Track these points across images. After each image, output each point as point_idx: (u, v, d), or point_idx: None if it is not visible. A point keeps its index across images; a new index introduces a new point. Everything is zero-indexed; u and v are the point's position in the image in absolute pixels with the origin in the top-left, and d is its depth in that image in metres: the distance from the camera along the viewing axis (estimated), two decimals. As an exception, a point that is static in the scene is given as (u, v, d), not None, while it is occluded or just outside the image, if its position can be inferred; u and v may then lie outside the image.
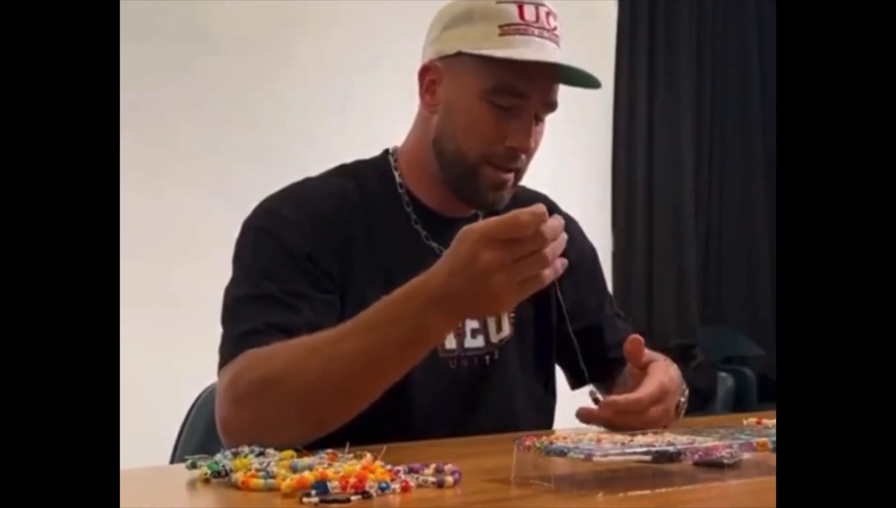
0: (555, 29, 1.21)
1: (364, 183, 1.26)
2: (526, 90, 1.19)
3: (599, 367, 1.38)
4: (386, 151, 1.32)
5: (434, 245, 1.26)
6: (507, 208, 1.35)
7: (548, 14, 1.21)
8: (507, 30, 1.17)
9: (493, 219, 1.00)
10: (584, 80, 1.23)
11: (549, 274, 1.00)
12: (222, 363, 1.12)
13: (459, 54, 1.20)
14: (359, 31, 3.49)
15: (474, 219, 1.31)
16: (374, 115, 3.34)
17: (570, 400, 1.43)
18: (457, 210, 1.28)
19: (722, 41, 4.84)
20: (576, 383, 1.41)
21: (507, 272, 0.97)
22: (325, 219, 1.20)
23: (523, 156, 1.23)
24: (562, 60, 1.18)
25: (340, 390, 1.03)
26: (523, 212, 0.98)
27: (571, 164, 4.13)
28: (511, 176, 1.24)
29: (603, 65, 4.41)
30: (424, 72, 1.25)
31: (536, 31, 1.19)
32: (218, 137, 3.29)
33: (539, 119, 1.23)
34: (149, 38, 3.09)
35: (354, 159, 1.32)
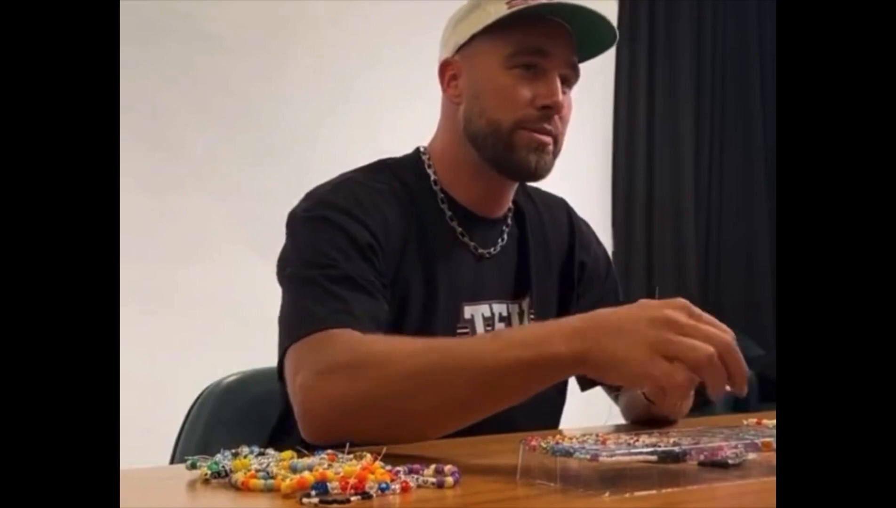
0: None
1: (405, 181, 1.27)
2: (545, 46, 1.20)
3: None
4: (418, 149, 1.32)
5: (469, 242, 1.26)
6: (533, 212, 1.36)
7: None
8: (514, 3, 1.19)
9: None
10: (599, 40, 1.24)
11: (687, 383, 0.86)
12: (297, 337, 1.05)
13: (473, 38, 1.22)
14: (359, 31, 3.49)
15: (503, 219, 1.31)
16: (374, 115, 3.35)
17: (576, 400, 1.43)
18: (489, 209, 1.29)
19: (722, 41, 4.84)
20: (587, 386, 1.41)
21: (666, 332, 0.86)
22: (383, 218, 1.19)
23: (556, 119, 1.23)
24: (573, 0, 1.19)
25: (449, 391, 0.96)
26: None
27: (571, 164, 4.12)
28: (549, 139, 1.23)
29: (603, 65, 4.41)
30: (444, 68, 1.28)
31: None
32: (218, 138, 3.29)
33: (565, 83, 1.24)
34: (149, 38, 3.09)
35: (388, 157, 1.32)
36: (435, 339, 1.02)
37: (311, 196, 1.22)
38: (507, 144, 1.22)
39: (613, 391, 1.41)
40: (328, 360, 1.01)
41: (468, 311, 1.24)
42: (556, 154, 1.25)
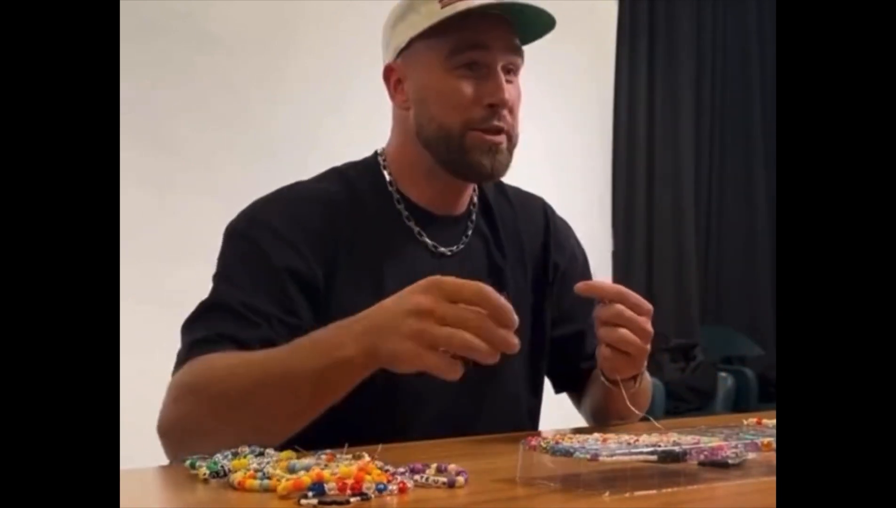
0: None
1: (354, 185, 1.26)
2: (482, 39, 1.18)
3: (572, 375, 1.38)
4: (376, 152, 1.32)
5: (428, 241, 1.26)
6: (507, 211, 1.35)
7: None
8: (446, 1, 1.17)
9: (461, 281, 0.93)
10: (538, 25, 1.21)
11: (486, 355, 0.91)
12: (175, 367, 1.13)
13: (412, 42, 1.21)
14: (359, 31, 3.49)
15: (466, 216, 1.30)
16: (374, 115, 3.34)
17: (556, 402, 1.43)
18: (447, 207, 1.27)
19: (722, 41, 4.85)
20: (559, 388, 1.41)
21: (422, 323, 0.91)
22: (311, 228, 1.19)
23: (506, 114, 1.20)
24: None
25: (257, 407, 1.02)
26: (490, 290, 0.92)
27: (571, 164, 4.13)
28: (502, 138, 1.21)
29: (603, 65, 4.41)
30: (388, 74, 1.26)
31: None
32: (218, 137, 3.29)
33: (509, 72, 1.21)
34: (149, 38, 3.09)
35: (345, 162, 1.32)
36: (254, 355, 1.06)
37: (247, 208, 1.24)
38: (459, 148, 1.20)
39: (575, 397, 1.40)
40: (174, 390, 1.09)
41: None
42: (511, 149, 1.23)
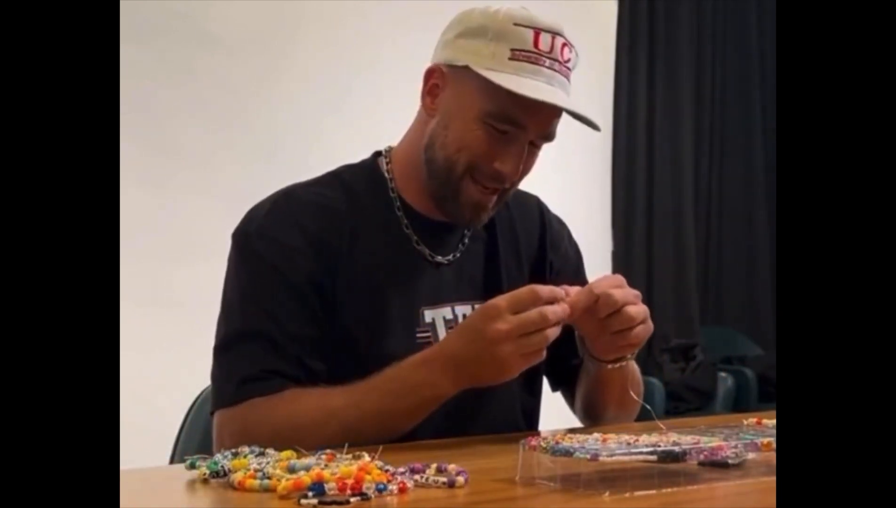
0: (568, 61, 1.19)
1: (352, 189, 1.25)
2: (524, 122, 1.18)
3: (566, 371, 1.37)
4: (376, 154, 1.31)
5: (425, 250, 1.25)
6: (504, 213, 1.35)
7: (564, 45, 1.19)
8: (518, 55, 1.16)
9: (511, 294, 1.08)
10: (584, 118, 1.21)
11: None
12: (220, 404, 1.15)
13: (467, 68, 1.18)
14: (359, 31, 3.49)
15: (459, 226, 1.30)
16: (374, 115, 3.35)
17: (554, 402, 1.43)
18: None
19: (722, 41, 4.85)
20: (555, 386, 1.41)
21: (513, 343, 1.06)
22: (315, 234, 1.19)
23: (508, 182, 1.22)
24: (564, 104, 1.17)
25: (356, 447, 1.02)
26: (542, 288, 1.08)
27: (571, 165, 4.13)
28: (494, 197, 1.23)
29: (603, 65, 4.41)
30: (430, 73, 1.23)
31: (547, 62, 1.17)
32: (218, 138, 3.29)
33: (535, 146, 1.22)
34: (149, 38, 3.09)
35: (341, 165, 1.31)
36: (333, 398, 1.11)
37: (250, 219, 1.23)
38: (454, 189, 1.21)
39: (569, 395, 1.40)
40: (241, 435, 1.07)
41: (428, 315, 1.23)
42: (497, 205, 1.26)
